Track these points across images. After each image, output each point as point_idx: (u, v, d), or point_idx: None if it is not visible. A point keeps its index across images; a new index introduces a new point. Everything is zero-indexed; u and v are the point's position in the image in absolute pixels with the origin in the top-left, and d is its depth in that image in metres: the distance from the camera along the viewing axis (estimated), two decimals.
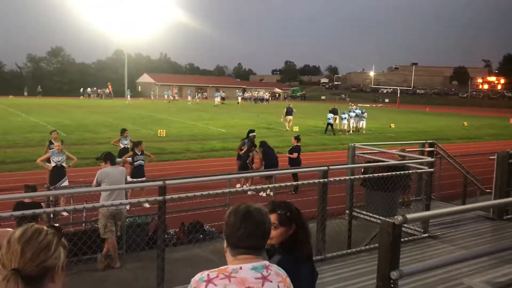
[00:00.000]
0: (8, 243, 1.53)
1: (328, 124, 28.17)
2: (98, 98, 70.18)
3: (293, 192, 12.32)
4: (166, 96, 68.56)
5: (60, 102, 55.76)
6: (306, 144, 22.65)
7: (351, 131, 29.00)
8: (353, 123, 29.55)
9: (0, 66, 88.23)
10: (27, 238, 1.53)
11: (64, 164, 10.60)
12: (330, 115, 28.40)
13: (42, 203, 7.38)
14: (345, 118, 28.88)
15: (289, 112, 29.78)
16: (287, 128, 28.81)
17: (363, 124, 29.63)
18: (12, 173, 14.02)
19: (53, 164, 10.47)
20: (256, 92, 75.96)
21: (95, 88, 74.98)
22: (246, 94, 72.45)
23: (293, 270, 2.33)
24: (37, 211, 4.52)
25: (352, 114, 29.53)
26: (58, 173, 10.44)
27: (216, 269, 1.99)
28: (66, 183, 10.35)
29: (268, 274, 2.00)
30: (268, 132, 26.87)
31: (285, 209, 2.83)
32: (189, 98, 65.29)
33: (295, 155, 13.11)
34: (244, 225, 2.02)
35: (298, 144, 13.54)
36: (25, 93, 70.92)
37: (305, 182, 6.66)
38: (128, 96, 65.57)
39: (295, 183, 10.54)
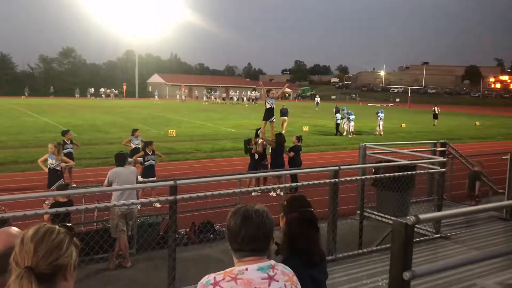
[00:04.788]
0: (21, 242, 1.55)
1: (337, 124, 27.62)
2: (101, 98, 69.74)
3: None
4: (178, 96, 69.53)
5: (71, 102, 56.20)
6: (316, 144, 22.62)
7: (345, 133, 27.25)
8: (348, 125, 27.51)
9: (13, 67, 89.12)
10: (40, 236, 1.55)
11: (57, 168, 10.55)
12: (339, 115, 27.81)
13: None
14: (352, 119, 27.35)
15: (283, 113, 27.55)
16: (282, 130, 26.94)
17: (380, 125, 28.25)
18: (24, 172, 14.16)
19: (48, 166, 10.51)
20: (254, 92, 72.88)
21: (103, 89, 74.77)
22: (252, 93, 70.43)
23: (297, 271, 2.29)
24: (50, 210, 4.56)
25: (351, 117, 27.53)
26: (53, 175, 10.47)
27: (222, 271, 1.98)
28: None
29: (274, 273, 1.99)
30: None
31: (287, 199, 2.88)
32: (212, 97, 66.69)
33: (291, 154, 12.88)
34: (245, 229, 2.00)
35: (299, 143, 13.35)
36: (26, 94, 67.70)
37: (316, 182, 6.62)
38: (156, 96, 67.57)
39: (300, 183, 10.43)
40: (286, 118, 27.84)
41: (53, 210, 4.52)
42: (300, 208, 2.83)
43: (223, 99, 67.29)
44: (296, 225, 2.77)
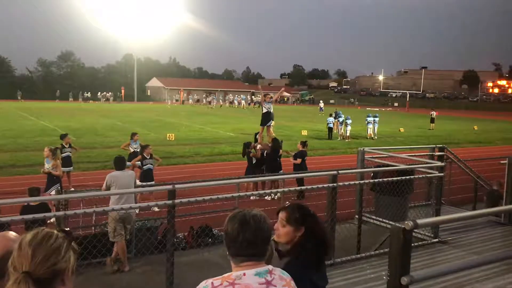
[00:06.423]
0: (19, 246, 1.54)
1: (329, 128, 27.73)
2: (99, 102, 69.58)
3: (299, 198, 11.94)
4: (173, 100, 70.01)
5: (71, 106, 56.14)
6: (314, 148, 22.60)
7: (339, 138, 27.45)
8: (341, 128, 28.16)
9: (11, 70, 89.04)
10: (38, 241, 1.54)
11: (52, 172, 10.50)
12: (330, 119, 27.98)
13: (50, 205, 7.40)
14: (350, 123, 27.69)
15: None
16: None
17: (375, 128, 28.67)
18: (22, 176, 14.12)
19: (45, 170, 10.49)
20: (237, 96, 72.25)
21: (101, 92, 74.65)
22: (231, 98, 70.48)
23: (299, 275, 2.29)
24: (48, 214, 4.55)
25: (341, 119, 28.09)
26: (50, 178, 10.44)
27: (220, 276, 1.98)
28: (53, 192, 10.04)
29: (272, 278, 1.99)
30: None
31: (295, 210, 2.81)
32: (217, 102, 67.72)
33: (298, 160, 12.67)
34: (243, 234, 1.99)
35: (304, 149, 13.14)
36: (19, 97, 65.96)
37: (314, 186, 6.62)
38: (169, 100, 68.82)
39: (299, 188, 10.47)
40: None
41: (52, 214, 4.51)
42: (311, 217, 2.78)
43: (209, 102, 67.07)
44: (312, 241, 2.71)
